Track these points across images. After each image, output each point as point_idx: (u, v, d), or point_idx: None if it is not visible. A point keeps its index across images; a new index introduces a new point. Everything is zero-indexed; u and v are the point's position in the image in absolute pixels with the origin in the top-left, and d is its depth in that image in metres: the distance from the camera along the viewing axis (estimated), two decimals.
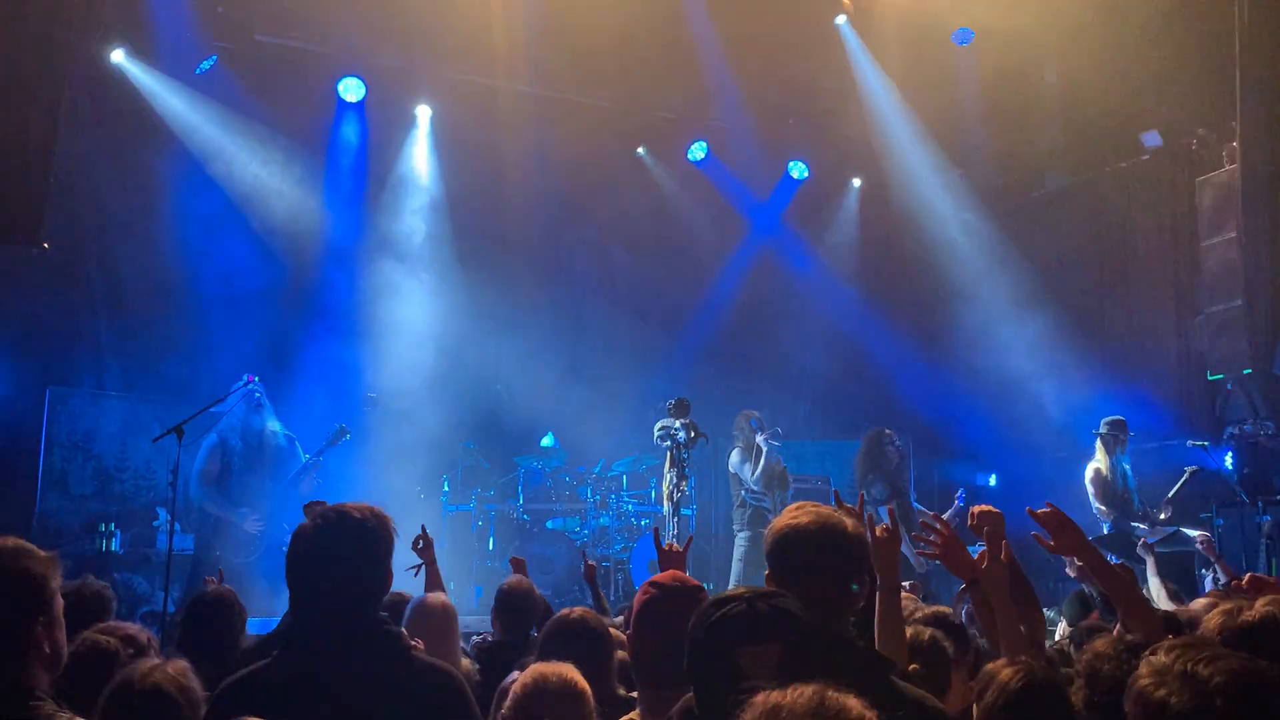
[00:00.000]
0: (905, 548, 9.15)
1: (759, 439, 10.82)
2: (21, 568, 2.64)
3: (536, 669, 3.20)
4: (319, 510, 3.22)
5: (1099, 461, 10.29)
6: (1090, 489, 10.25)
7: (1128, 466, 10.34)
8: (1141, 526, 9.79)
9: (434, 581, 5.68)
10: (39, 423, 10.46)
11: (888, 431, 11.09)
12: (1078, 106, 12.70)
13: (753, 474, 10.84)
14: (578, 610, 4.19)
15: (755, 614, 2.45)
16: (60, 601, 2.74)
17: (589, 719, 3.18)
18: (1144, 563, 7.66)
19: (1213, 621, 3.23)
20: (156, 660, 3.25)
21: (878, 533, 3.36)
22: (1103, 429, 10.38)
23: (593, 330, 14.16)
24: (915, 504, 11.04)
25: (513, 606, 5.34)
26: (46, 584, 2.67)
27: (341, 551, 3.09)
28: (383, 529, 3.17)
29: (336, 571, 3.07)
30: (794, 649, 2.39)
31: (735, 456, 11.10)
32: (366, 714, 2.98)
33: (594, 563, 6.13)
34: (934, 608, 4.48)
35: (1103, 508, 10.16)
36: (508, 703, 3.20)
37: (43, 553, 2.72)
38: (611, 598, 11.23)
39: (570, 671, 3.18)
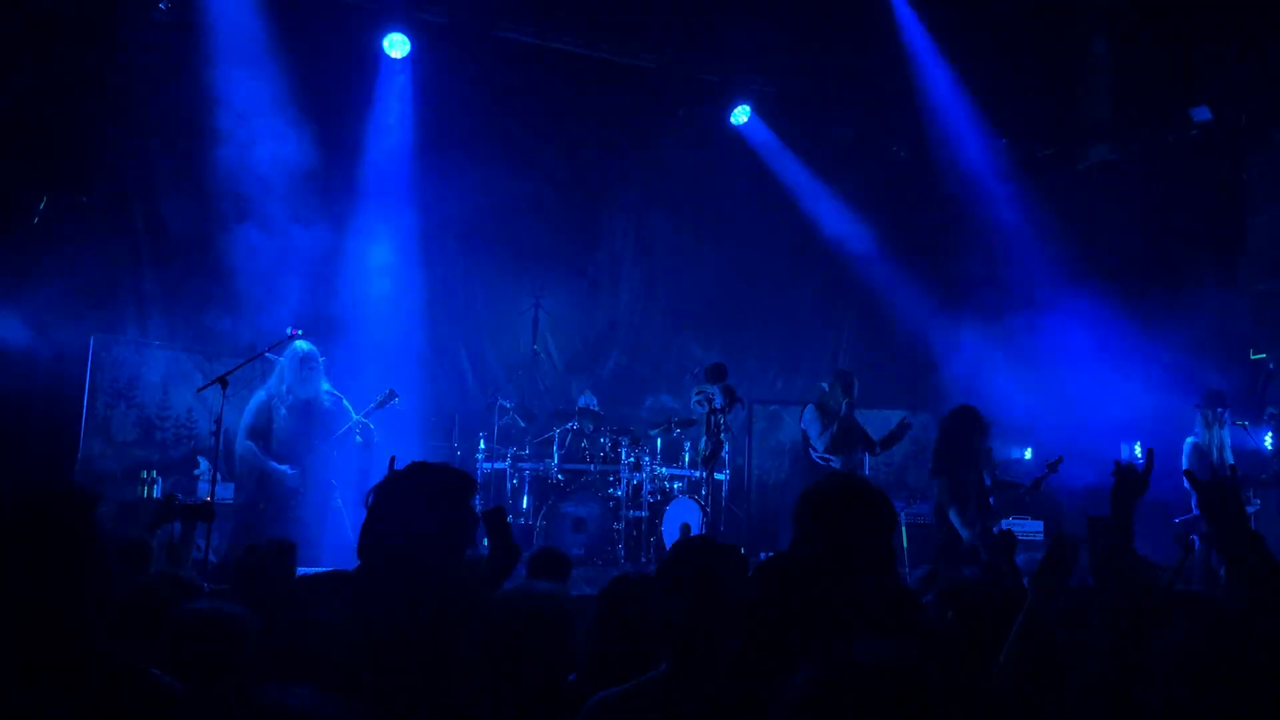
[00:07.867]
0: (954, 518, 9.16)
1: (844, 403, 10.34)
2: (71, 513, 2.63)
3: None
4: (401, 466, 3.29)
5: (1196, 435, 10.33)
6: (1185, 463, 10.27)
7: (1227, 440, 10.32)
8: None
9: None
10: (83, 370, 10.57)
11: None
12: (1126, 78, 12.54)
13: (820, 434, 10.38)
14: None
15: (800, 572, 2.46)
16: (108, 547, 2.72)
17: None
18: None
19: None
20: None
21: None
22: (1200, 401, 10.38)
23: (630, 294, 14.17)
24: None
25: (542, 566, 5.52)
26: (96, 530, 2.66)
27: (425, 504, 3.16)
28: (465, 484, 3.25)
29: (418, 525, 3.13)
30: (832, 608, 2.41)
31: (808, 412, 10.57)
32: (445, 662, 3.05)
33: None
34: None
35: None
36: None
37: (91, 497, 2.70)
38: (643, 559, 11.32)
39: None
